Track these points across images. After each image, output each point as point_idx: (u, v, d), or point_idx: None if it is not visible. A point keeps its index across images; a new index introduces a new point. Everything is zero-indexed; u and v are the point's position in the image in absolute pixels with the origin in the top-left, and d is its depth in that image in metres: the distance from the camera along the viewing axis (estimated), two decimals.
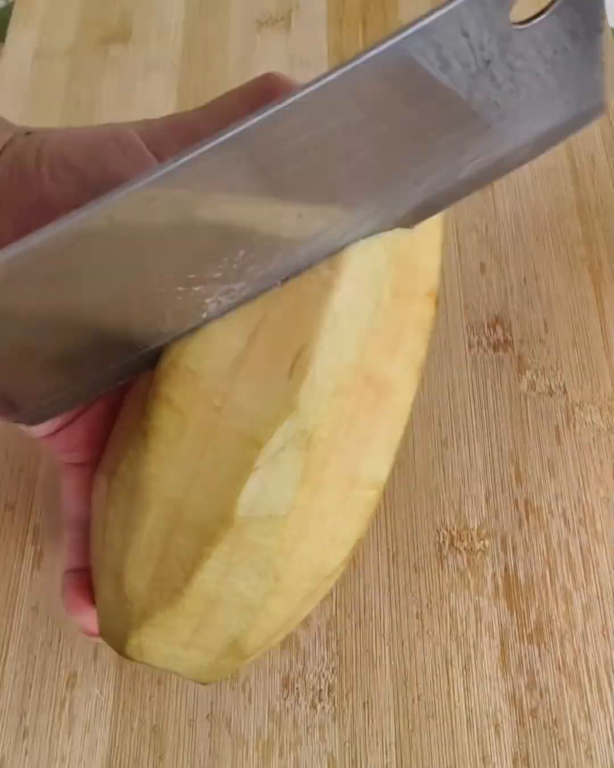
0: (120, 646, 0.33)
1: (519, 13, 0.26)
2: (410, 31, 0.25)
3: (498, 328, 0.51)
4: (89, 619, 0.35)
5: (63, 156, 0.31)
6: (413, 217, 0.31)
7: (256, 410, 0.29)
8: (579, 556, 0.44)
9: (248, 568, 0.30)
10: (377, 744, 0.40)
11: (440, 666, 0.41)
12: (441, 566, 0.44)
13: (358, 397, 0.30)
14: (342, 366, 0.30)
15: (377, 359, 0.31)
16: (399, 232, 0.31)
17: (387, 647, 0.42)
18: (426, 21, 0.25)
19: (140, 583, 0.31)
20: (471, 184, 0.32)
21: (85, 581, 0.36)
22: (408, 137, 0.28)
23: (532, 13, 0.27)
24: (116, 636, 0.33)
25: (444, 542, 0.44)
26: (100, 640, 0.35)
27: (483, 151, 0.31)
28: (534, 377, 0.49)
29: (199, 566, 0.30)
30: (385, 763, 0.39)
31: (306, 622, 0.42)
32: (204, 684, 0.35)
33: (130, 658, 0.33)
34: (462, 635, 0.42)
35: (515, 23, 0.26)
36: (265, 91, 0.32)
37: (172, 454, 0.30)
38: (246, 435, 0.29)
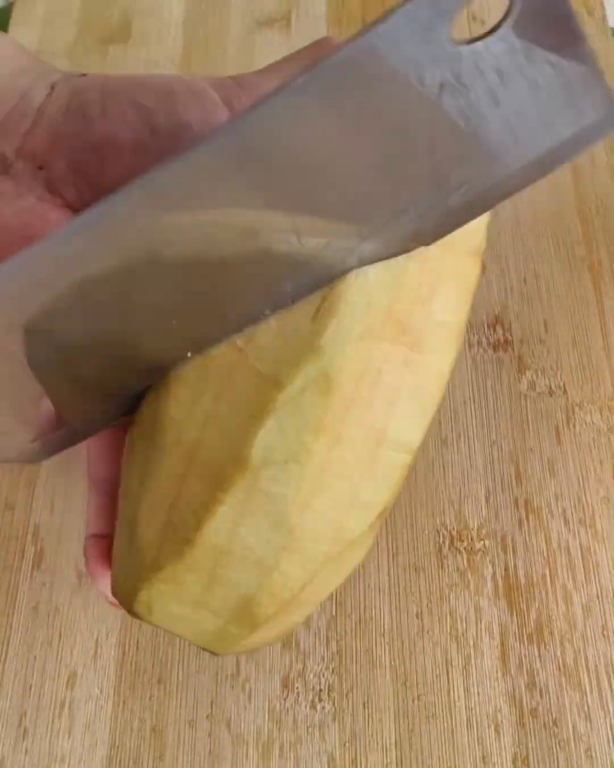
0: (129, 603, 0.32)
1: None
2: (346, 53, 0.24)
3: (498, 328, 0.51)
4: (108, 585, 0.35)
5: (132, 96, 0.31)
6: (407, 243, 0.30)
7: (278, 350, 0.29)
8: (579, 556, 0.44)
9: (261, 518, 0.30)
10: (377, 744, 0.40)
11: (440, 666, 0.41)
12: (441, 566, 0.44)
13: (387, 348, 0.30)
14: (371, 310, 0.29)
15: (409, 309, 0.30)
16: None
17: (387, 647, 0.42)
18: (364, 38, 0.24)
19: (151, 532, 0.31)
20: (468, 210, 0.30)
21: (107, 547, 0.36)
22: (372, 166, 0.27)
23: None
24: (126, 592, 0.32)
25: (444, 542, 0.44)
26: (121, 609, 0.34)
27: (470, 177, 0.29)
28: (534, 377, 0.49)
29: (211, 512, 0.30)
30: (385, 762, 0.39)
31: (306, 622, 0.42)
32: (213, 653, 0.34)
33: (139, 617, 0.32)
34: (462, 635, 0.42)
35: (463, 41, 0.25)
36: (320, 55, 0.31)
37: (192, 397, 0.30)
38: (266, 375, 0.29)
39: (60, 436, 0.32)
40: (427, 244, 0.30)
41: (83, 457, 0.48)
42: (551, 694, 0.40)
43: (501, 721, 0.40)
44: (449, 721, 0.40)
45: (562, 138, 0.29)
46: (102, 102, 0.31)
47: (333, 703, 0.40)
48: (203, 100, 0.31)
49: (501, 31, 0.25)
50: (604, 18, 0.64)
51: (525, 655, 0.41)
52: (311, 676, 0.41)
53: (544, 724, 0.40)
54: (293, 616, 0.33)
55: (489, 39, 0.25)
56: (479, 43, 0.25)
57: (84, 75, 0.32)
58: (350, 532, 0.31)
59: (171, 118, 0.30)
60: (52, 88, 0.32)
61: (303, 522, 0.30)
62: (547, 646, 0.41)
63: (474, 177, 0.28)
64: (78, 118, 0.31)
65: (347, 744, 0.39)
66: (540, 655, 0.41)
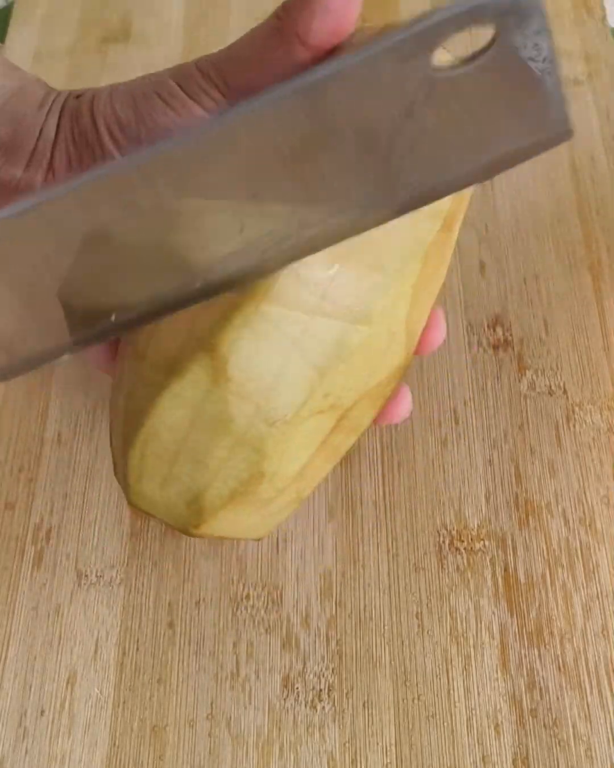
0: (126, 493, 0.34)
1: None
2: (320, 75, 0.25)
3: (498, 328, 0.51)
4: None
5: (115, 115, 0.32)
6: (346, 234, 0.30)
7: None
8: (579, 556, 0.44)
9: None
10: (377, 744, 0.40)
11: (440, 666, 0.41)
12: (441, 566, 0.44)
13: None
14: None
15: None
16: None
17: (387, 647, 0.42)
18: (341, 66, 0.25)
19: (118, 423, 0.33)
20: (414, 203, 0.30)
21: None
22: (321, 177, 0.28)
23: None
24: (121, 480, 0.34)
25: (444, 542, 0.44)
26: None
27: (419, 179, 0.29)
28: (534, 377, 0.49)
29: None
30: (385, 763, 0.39)
31: (306, 622, 0.42)
32: (185, 533, 0.35)
33: (136, 506, 0.34)
34: (462, 635, 0.42)
35: (440, 68, 0.26)
36: (277, 28, 0.32)
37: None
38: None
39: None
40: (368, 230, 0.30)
41: (83, 458, 0.48)
42: (551, 694, 0.40)
43: (501, 721, 0.40)
44: (449, 721, 0.40)
45: (512, 148, 0.30)
46: (94, 126, 0.32)
47: (333, 703, 0.40)
48: (170, 102, 0.32)
49: (480, 61, 0.26)
50: (604, 18, 0.64)
51: (525, 655, 0.41)
52: (311, 676, 0.41)
53: (544, 724, 0.40)
54: (270, 483, 0.34)
55: (468, 67, 0.26)
56: (458, 70, 0.26)
57: (79, 96, 0.33)
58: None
59: (150, 132, 0.32)
60: (54, 109, 0.32)
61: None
62: (547, 646, 0.41)
63: (424, 179, 0.29)
64: (82, 141, 0.32)
65: (347, 744, 0.39)
66: (540, 655, 0.41)
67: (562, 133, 0.30)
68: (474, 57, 0.26)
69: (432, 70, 0.26)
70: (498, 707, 0.40)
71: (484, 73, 0.26)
